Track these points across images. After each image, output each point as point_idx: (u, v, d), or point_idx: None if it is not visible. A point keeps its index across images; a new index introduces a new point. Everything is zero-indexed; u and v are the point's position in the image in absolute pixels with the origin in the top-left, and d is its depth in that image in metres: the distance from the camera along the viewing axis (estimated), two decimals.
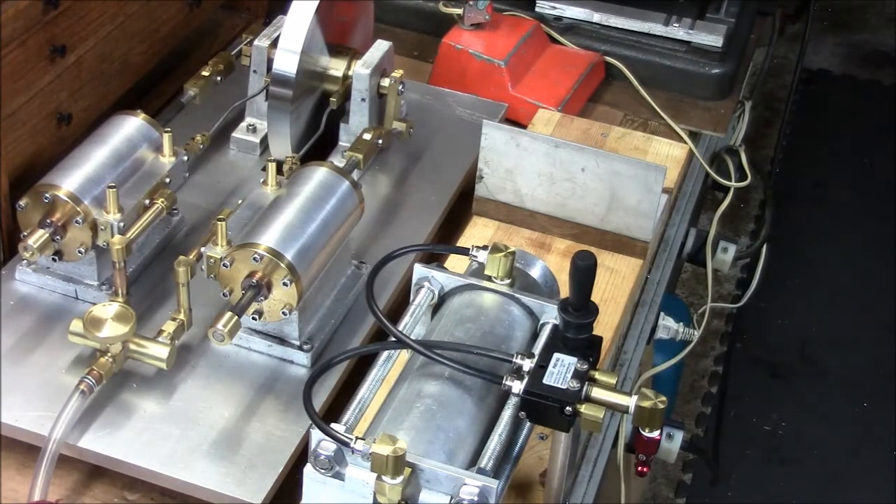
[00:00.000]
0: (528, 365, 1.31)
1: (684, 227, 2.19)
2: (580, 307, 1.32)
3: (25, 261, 1.63)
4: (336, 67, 1.91)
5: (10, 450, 1.49)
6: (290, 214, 1.56)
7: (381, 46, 1.91)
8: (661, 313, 2.13)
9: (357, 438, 1.22)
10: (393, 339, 1.36)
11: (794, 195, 4.02)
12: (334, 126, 1.93)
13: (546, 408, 1.28)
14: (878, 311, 3.67)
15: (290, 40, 1.81)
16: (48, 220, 1.57)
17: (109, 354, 1.48)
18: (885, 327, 3.61)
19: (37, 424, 1.45)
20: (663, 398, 1.29)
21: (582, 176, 1.81)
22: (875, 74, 4.72)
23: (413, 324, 1.43)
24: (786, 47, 4.19)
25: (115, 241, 1.52)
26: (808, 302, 3.71)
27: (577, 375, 1.29)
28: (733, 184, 2.30)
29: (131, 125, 1.70)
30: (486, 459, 1.27)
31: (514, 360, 1.32)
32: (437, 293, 1.47)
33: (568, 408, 1.27)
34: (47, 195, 1.57)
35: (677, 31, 2.29)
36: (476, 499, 1.21)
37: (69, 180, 1.59)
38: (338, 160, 1.83)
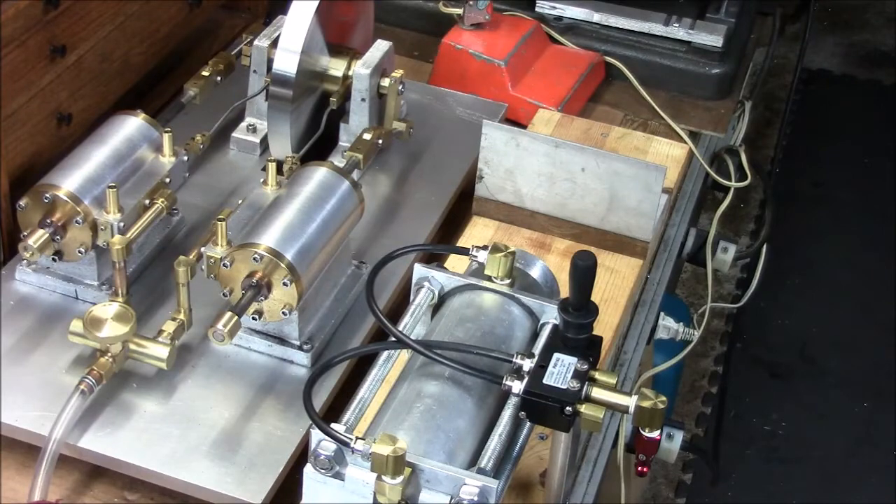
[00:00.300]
0: (528, 365, 1.31)
1: (684, 227, 2.19)
2: (580, 307, 1.32)
3: (25, 261, 1.63)
4: (336, 67, 1.91)
5: (10, 450, 1.49)
6: (291, 214, 1.56)
7: (381, 46, 1.91)
8: (661, 313, 2.13)
9: (357, 438, 1.22)
10: (393, 339, 1.36)
11: (794, 195, 4.02)
12: (334, 126, 1.93)
13: (546, 408, 1.28)
14: (878, 311, 3.67)
15: (290, 40, 1.81)
16: (48, 220, 1.57)
17: (109, 354, 1.48)
18: (885, 327, 3.61)
19: (37, 424, 1.46)
20: (663, 398, 1.29)
21: (582, 176, 1.81)
22: (875, 74, 4.72)
23: (413, 324, 1.43)
24: (786, 47, 4.18)
25: (115, 241, 1.52)
26: (808, 302, 3.71)
27: (577, 375, 1.29)
28: (733, 184, 2.30)
29: (131, 125, 1.70)
30: (486, 459, 1.27)
31: (514, 360, 1.32)
32: (437, 293, 1.47)
33: (568, 408, 1.27)
34: (47, 195, 1.57)
35: (677, 31, 2.29)
36: (476, 499, 1.21)
37: (69, 180, 1.59)
38: (338, 160, 1.83)
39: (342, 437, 1.22)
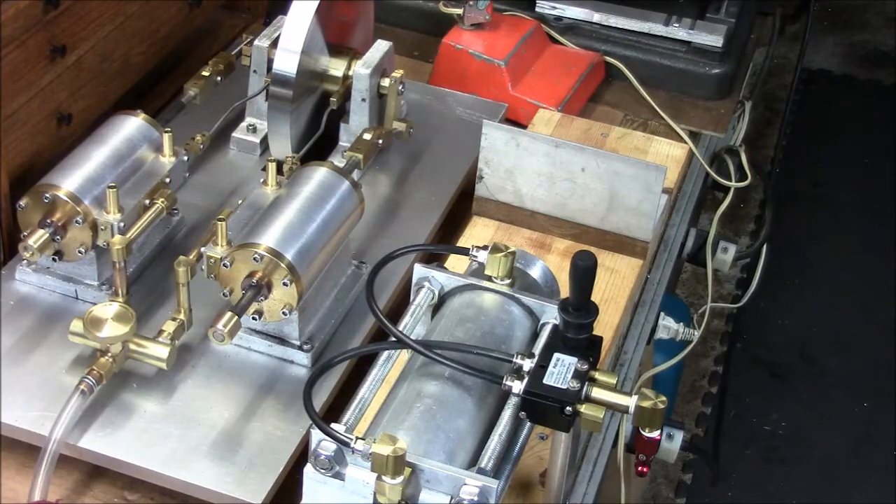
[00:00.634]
0: (528, 365, 1.31)
1: (684, 227, 2.19)
2: (580, 307, 1.32)
3: (25, 261, 1.63)
4: (336, 67, 1.91)
5: (10, 450, 1.49)
6: (291, 214, 1.56)
7: (381, 46, 1.91)
8: (661, 313, 2.13)
9: (357, 438, 1.22)
10: (393, 339, 1.36)
11: (794, 195, 4.02)
12: (334, 126, 1.93)
13: (546, 408, 1.28)
14: (878, 311, 3.67)
15: (290, 40, 1.81)
16: (48, 220, 1.57)
17: (109, 354, 1.48)
18: (885, 327, 3.60)
19: (37, 424, 1.46)
20: (663, 398, 1.29)
21: (582, 176, 1.81)
22: (875, 74, 4.72)
23: (413, 324, 1.43)
24: (786, 47, 4.18)
25: (115, 241, 1.52)
26: (808, 302, 3.71)
27: (578, 375, 1.29)
28: (733, 184, 2.30)
29: (131, 125, 1.70)
30: (486, 459, 1.27)
31: (514, 360, 1.32)
32: (437, 293, 1.47)
33: (568, 408, 1.27)
34: (47, 195, 1.57)
35: (677, 31, 2.29)
36: (476, 499, 1.21)
37: (69, 180, 1.59)
38: (338, 160, 1.83)
39: (342, 437, 1.22)
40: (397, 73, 1.90)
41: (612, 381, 1.31)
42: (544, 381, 1.29)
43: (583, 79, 2.20)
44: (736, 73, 2.31)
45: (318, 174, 1.63)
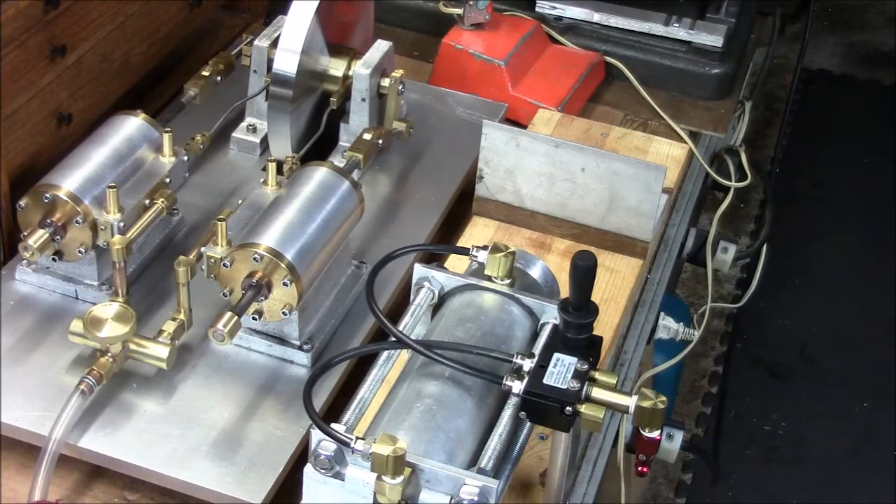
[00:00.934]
0: (528, 365, 1.31)
1: (684, 227, 2.19)
2: (580, 307, 1.32)
3: (25, 261, 1.63)
4: (336, 67, 1.91)
5: (10, 450, 1.49)
6: (291, 214, 1.56)
7: (381, 46, 1.91)
8: (661, 313, 2.13)
9: (357, 438, 1.22)
10: (393, 339, 1.36)
11: (794, 195, 4.02)
12: (334, 126, 1.93)
13: (546, 408, 1.28)
14: (878, 311, 3.67)
15: (290, 40, 1.81)
16: (48, 220, 1.57)
17: (109, 354, 1.48)
18: (885, 327, 3.60)
19: (37, 424, 1.46)
20: (663, 398, 1.29)
21: (582, 176, 1.81)
22: (875, 74, 4.72)
23: (413, 324, 1.43)
24: (786, 47, 4.18)
25: (115, 241, 1.52)
26: (808, 302, 3.71)
27: (578, 375, 1.29)
28: (733, 184, 2.30)
29: (131, 125, 1.70)
30: (486, 459, 1.27)
31: (514, 360, 1.32)
32: (437, 293, 1.47)
33: (568, 408, 1.27)
34: (47, 195, 1.57)
35: (677, 31, 2.29)
36: (476, 499, 1.21)
37: (69, 180, 1.59)
38: (338, 160, 1.83)
39: (342, 437, 1.22)
40: (397, 73, 1.90)
41: (612, 381, 1.31)
42: (544, 381, 1.29)
43: (583, 79, 2.20)
44: (736, 73, 2.31)
45: (318, 174, 1.63)
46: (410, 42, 2.34)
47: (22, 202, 1.59)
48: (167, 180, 1.69)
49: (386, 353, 1.39)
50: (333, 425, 1.24)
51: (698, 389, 3.40)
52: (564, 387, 1.28)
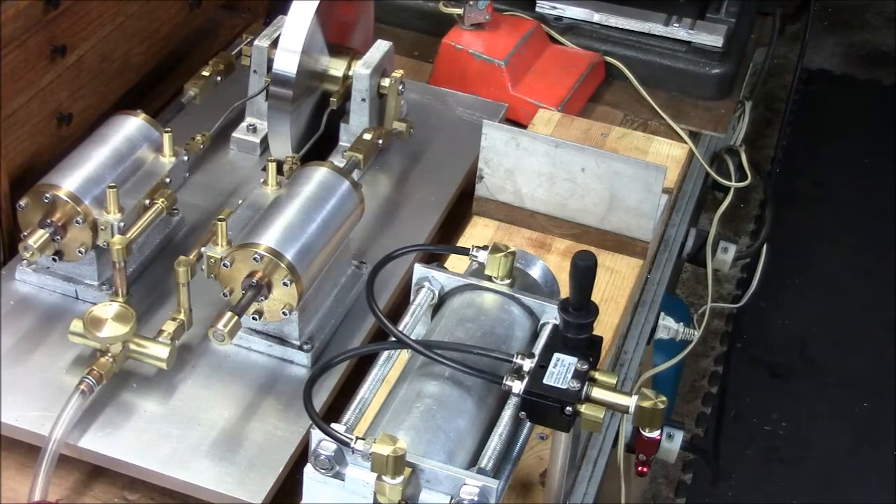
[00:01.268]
0: (528, 365, 1.31)
1: (684, 227, 2.19)
2: (580, 307, 1.32)
3: (25, 261, 1.63)
4: (336, 67, 1.91)
5: (10, 450, 1.49)
6: (291, 214, 1.56)
7: (381, 46, 1.91)
8: (661, 313, 2.13)
9: (357, 438, 1.22)
10: (393, 339, 1.36)
11: (794, 195, 4.02)
12: (334, 126, 1.93)
13: (546, 408, 1.28)
14: (878, 311, 3.67)
15: (290, 40, 1.81)
16: (48, 220, 1.57)
17: (109, 354, 1.48)
18: (885, 327, 3.60)
19: (37, 424, 1.46)
20: (663, 398, 1.29)
21: (582, 176, 1.81)
22: (875, 74, 4.72)
23: (413, 324, 1.43)
24: (786, 47, 4.18)
25: (115, 241, 1.52)
26: (808, 302, 3.71)
27: (578, 375, 1.29)
28: (733, 184, 2.30)
29: (131, 125, 1.70)
30: (487, 459, 1.27)
31: (514, 360, 1.32)
32: (437, 293, 1.47)
33: (568, 408, 1.27)
34: (47, 195, 1.57)
35: (677, 31, 2.29)
36: (476, 499, 1.21)
37: (69, 180, 1.59)
38: (338, 160, 1.83)
39: (342, 437, 1.22)
40: (397, 73, 1.90)
41: (612, 381, 1.31)
42: (544, 381, 1.29)
43: (583, 79, 2.20)
44: (736, 73, 2.31)
45: (318, 174, 1.63)
46: (410, 42, 2.34)
47: (22, 202, 1.59)
48: (167, 180, 1.69)
49: (386, 353, 1.39)
50: (333, 425, 1.24)
51: (698, 389, 3.40)
52: (564, 387, 1.28)
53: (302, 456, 1.43)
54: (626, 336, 1.92)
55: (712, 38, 2.27)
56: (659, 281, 2.05)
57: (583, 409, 1.28)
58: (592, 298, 1.33)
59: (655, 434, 1.37)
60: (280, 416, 1.51)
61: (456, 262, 1.65)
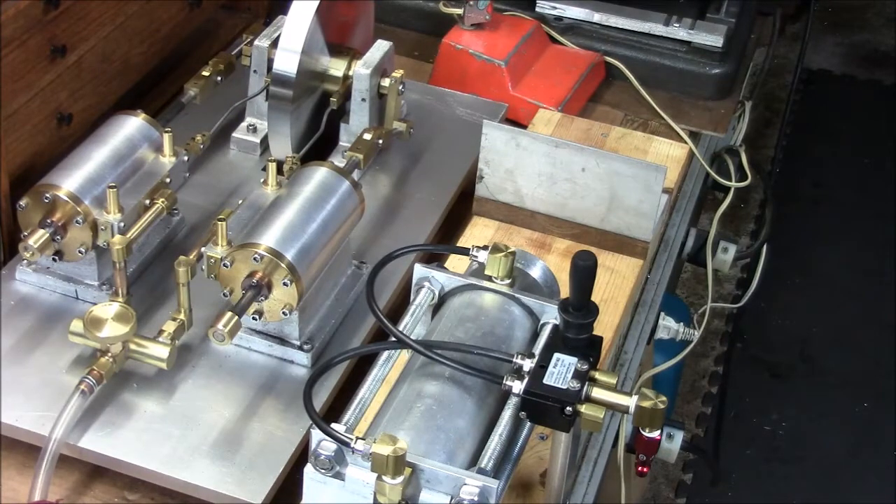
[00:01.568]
0: (528, 365, 1.31)
1: (684, 227, 2.19)
2: (580, 307, 1.32)
3: (25, 261, 1.63)
4: (336, 67, 1.91)
5: (10, 450, 1.49)
6: (291, 214, 1.56)
7: (381, 46, 1.91)
8: (662, 313, 2.13)
9: (357, 438, 1.22)
10: (393, 339, 1.36)
11: (794, 195, 4.02)
12: (334, 126, 1.93)
13: (546, 408, 1.28)
14: (878, 311, 3.67)
15: (290, 40, 1.81)
16: (48, 220, 1.57)
17: (110, 354, 1.48)
18: (885, 327, 3.61)
19: (37, 424, 1.45)
20: (663, 398, 1.29)
21: (582, 176, 1.81)
22: (875, 74, 4.72)
23: (413, 324, 1.43)
24: (786, 47, 4.19)
25: (115, 241, 1.52)
26: (808, 302, 3.71)
27: (578, 375, 1.29)
28: (733, 184, 2.30)
29: (131, 125, 1.70)
30: (487, 459, 1.27)
31: (514, 360, 1.32)
32: (437, 293, 1.47)
33: (568, 408, 1.27)
34: (47, 195, 1.57)
35: (678, 32, 2.29)
36: (476, 499, 1.21)
37: (69, 180, 1.59)
38: (338, 160, 1.83)
39: (342, 437, 1.22)
40: (397, 73, 1.90)
41: (613, 381, 1.31)
42: (544, 381, 1.29)
43: (583, 79, 2.20)
44: (736, 73, 2.31)
45: (319, 174, 1.63)
46: (410, 42, 2.34)
47: (22, 202, 1.59)
48: (167, 180, 1.69)
49: (386, 353, 1.39)
50: (333, 425, 1.24)
51: (698, 389, 3.40)
52: (564, 387, 1.28)
53: (302, 456, 1.43)
54: (626, 336, 1.92)
55: (712, 38, 2.27)
56: (659, 281, 2.05)
57: (583, 409, 1.28)
58: (592, 298, 1.33)
59: (655, 434, 1.38)
60: (280, 416, 1.51)
61: (456, 262, 1.65)
